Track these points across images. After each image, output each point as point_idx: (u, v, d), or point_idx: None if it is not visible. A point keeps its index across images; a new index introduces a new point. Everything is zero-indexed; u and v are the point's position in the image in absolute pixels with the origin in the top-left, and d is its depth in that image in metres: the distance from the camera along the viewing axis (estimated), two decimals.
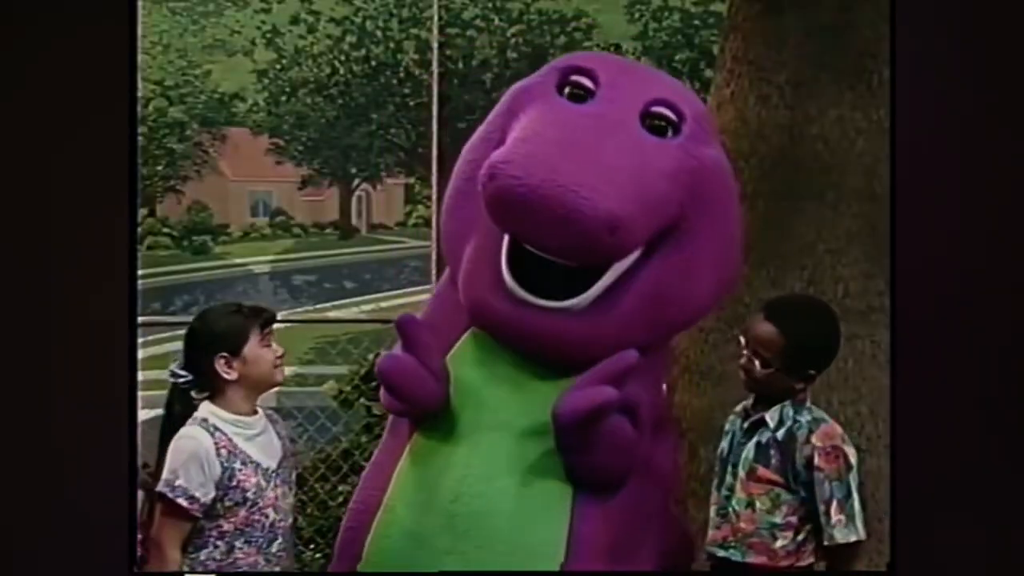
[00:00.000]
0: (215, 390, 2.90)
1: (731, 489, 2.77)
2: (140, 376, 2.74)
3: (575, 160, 2.54)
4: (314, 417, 5.25)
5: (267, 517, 2.89)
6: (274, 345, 2.95)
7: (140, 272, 3.17)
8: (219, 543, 2.84)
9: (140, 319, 3.16)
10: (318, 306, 20.49)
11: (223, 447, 2.83)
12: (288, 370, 3.08)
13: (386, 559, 2.74)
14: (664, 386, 3.17)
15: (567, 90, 2.81)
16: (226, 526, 2.84)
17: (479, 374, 2.79)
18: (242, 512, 2.84)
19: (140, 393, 2.69)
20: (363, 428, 5.16)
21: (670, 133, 2.77)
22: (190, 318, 3.06)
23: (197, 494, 2.78)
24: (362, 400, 5.21)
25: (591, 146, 2.59)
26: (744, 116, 3.89)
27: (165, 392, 3.00)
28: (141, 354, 2.78)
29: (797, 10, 3.83)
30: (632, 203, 2.54)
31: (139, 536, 2.80)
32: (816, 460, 2.67)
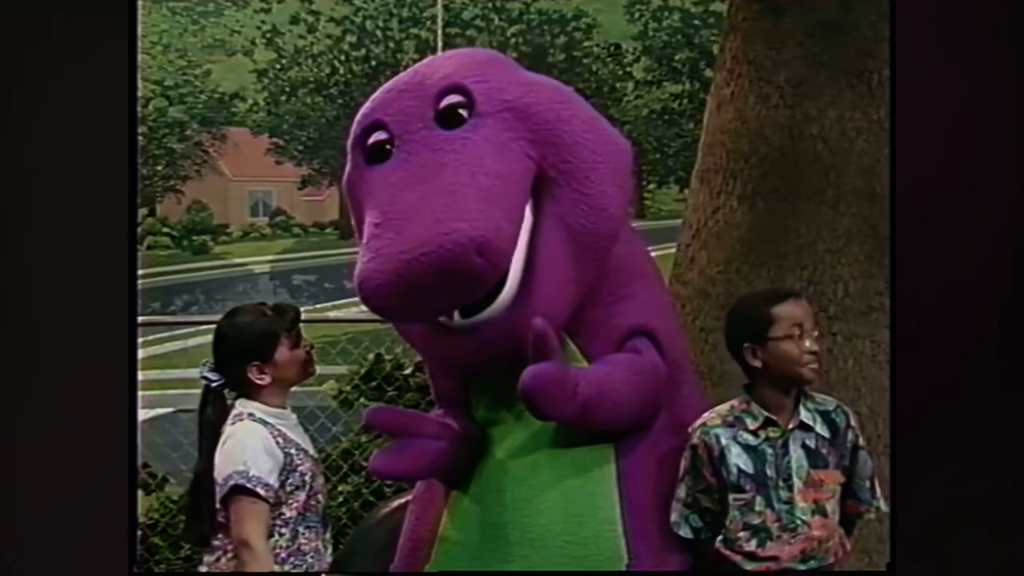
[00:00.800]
0: (250, 391, 2.96)
1: (790, 502, 2.68)
2: (140, 376, 2.75)
3: (406, 228, 2.46)
4: (314, 417, 5.25)
5: (319, 502, 2.96)
6: (304, 342, 3.00)
7: (140, 272, 3.18)
8: (284, 530, 2.88)
9: (140, 319, 3.17)
10: (318, 306, 20.48)
11: (277, 436, 2.89)
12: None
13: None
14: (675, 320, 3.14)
15: (370, 159, 2.71)
16: (288, 513, 2.88)
17: (488, 389, 2.81)
18: (302, 496, 2.89)
19: (140, 393, 2.69)
20: (363, 428, 5.16)
21: (466, 113, 2.64)
22: (190, 318, 3.09)
23: (271, 481, 2.83)
24: (362, 400, 5.22)
25: (425, 193, 2.50)
26: (744, 116, 3.89)
27: (165, 392, 3.01)
28: (141, 354, 2.79)
29: (797, 10, 3.84)
30: (476, 216, 2.44)
31: (139, 535, 2.81)
32: (860, 441, 2.75)
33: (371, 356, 5.37)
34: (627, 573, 2.67)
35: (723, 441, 2.72)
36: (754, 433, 2.71)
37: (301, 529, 2.90)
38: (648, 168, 42.53)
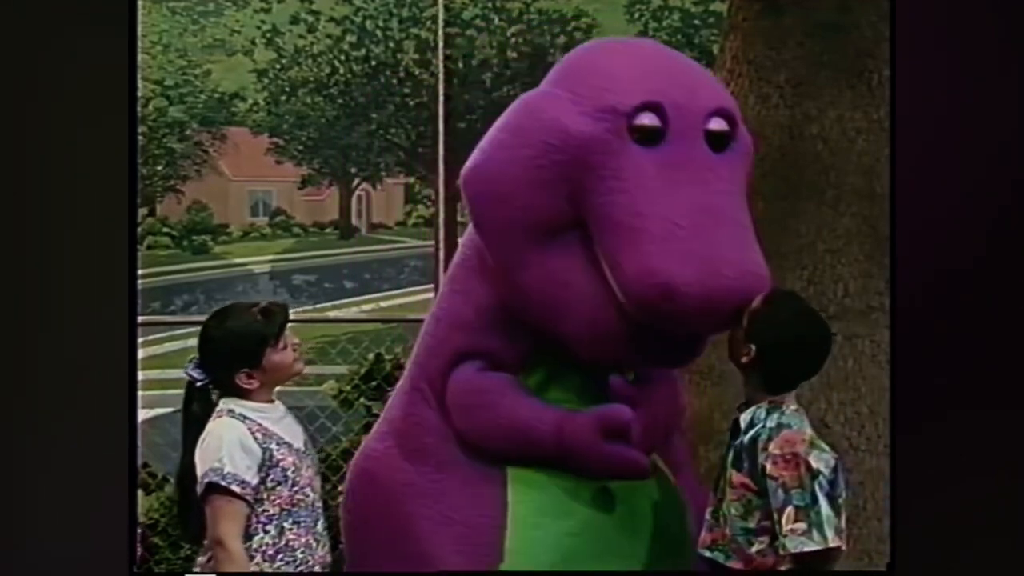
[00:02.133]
0: (236, 392, 2.93)
1: (723, 493, 2.73)
2: (140, 376, 2.75)
3: (721, 241, 2.58)
4: (314, 417, 5.24)
5: (307, 496, 2.92)
6: (290, 341, 2.97)
7: (140, 272, 3.17)
8: (269, 527, 2.85)
9: (140, 319, 3.17)
10: (318, 306, 20.49)
11: (256, 431, 2.87)
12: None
13: None
14: None
15: (636, 136, 2.66)
16: (272, 509, 2.86)
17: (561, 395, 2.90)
18: (285, 492, 2.86)
19: (140, 393, 2.69)
20: (363, 428, 5.16)
21: (730, 143, 2.77)
22: (190, 318, 3.08)
23: (247, 477, 2.80)
24: (362, 400, 5.21)
25: (718, 213, 2.62)
26: (744, 116, 3.88)
27: (165, 392, 3.01)
28: (141, 354, 2.78)
29: (797, 10, 3.83)
30: (763, 262, 2.68)
31: (139, 533, 2.81)
32: (768, 468, 2.59)
33: (371, 356, 5.36)
34: (632, 573, 2.69)
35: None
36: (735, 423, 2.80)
37: (287, 525, 2.87)
38: None
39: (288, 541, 2.86)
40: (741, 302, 2.59)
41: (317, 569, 2.92)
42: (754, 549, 2.65)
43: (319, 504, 2.99)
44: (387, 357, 5.33)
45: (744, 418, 2.71)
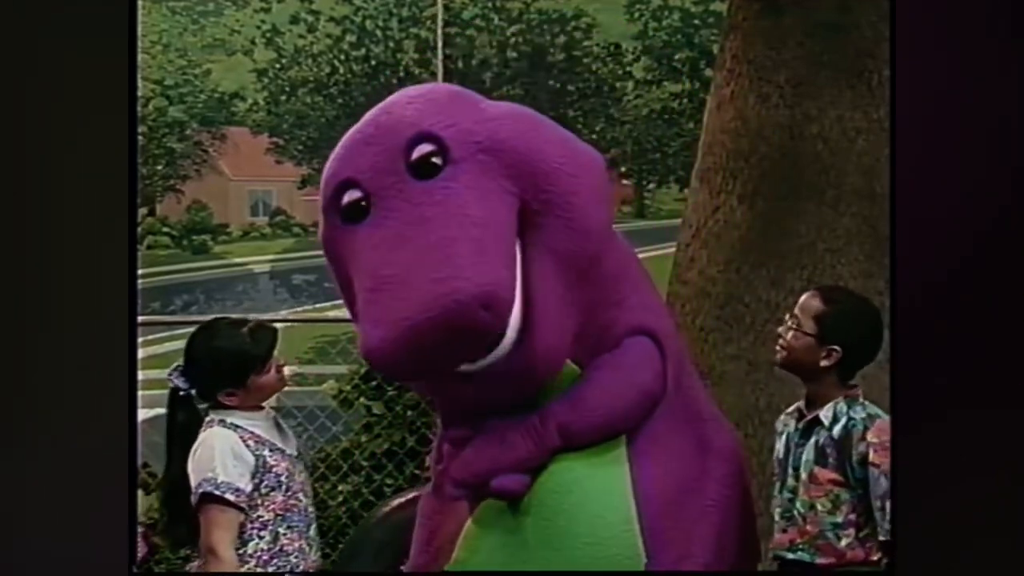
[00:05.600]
0: (219, 405, 2.96)
1: (794, 492, 2.79)
2: (140, 376, 2.75)
3: (403, 292, 2.40)
4: (314, 416, 5.25)
5: (300, 501, 2.94)
6: (275, 362, 2.97)
7: (140, 271, 3.17)
8: (263, 533, 2.87)
9: (140, 319, 3.17)
10: (318, 305, 20.48)
11: (248, 439, 2.89)
12: (287, 369, 3.10)
13: None
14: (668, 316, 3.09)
15: (344, 219, 2.61)
16: (266, 515, 2.87)
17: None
18: (279, 497, 2.88)
19: (140, 393, 2.69)
20: (363, 428, 5.16)
21: (440, 161, 2.56)
22: (190, 318, 3.09)
23: (240, 485, 2.83)
24: (362, 399, 5.21)
25: (407, 265, 2.44)
26: (744, 115, 3.90)
27: (165, 392, 3.01)
28: (141, 354, 2.78)
29: (797, 10, 3.84)
30: (474, 271, 2.38)
31: (139, 531, 2.82)
32: (871, 456, 2.69)
33: None
34: (636, 573, 2.68)
35: (780, 427, 2.92)
36: (796, 422, 2.85)
37: (282, 530, 2.89)
38: (648, 168, 42.47)
39: (282, 546, 2.89)
40: (443, 328, 2.36)
41: None
42: (843, 543, 2.72)
43: (311, 509, 3.00)
44: None
45: (824, 415, 2.76)
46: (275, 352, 2.96)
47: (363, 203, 2.57)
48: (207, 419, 2.93)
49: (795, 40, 3.82)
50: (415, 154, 2.55)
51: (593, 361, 2.71)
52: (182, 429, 2.93)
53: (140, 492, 4.78)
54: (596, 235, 2.65)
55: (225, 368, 2.92)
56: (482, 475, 2.64)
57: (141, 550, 3.56)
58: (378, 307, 2.44)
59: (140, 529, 3.45)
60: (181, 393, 2.96)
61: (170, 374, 2.97)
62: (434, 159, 2.55)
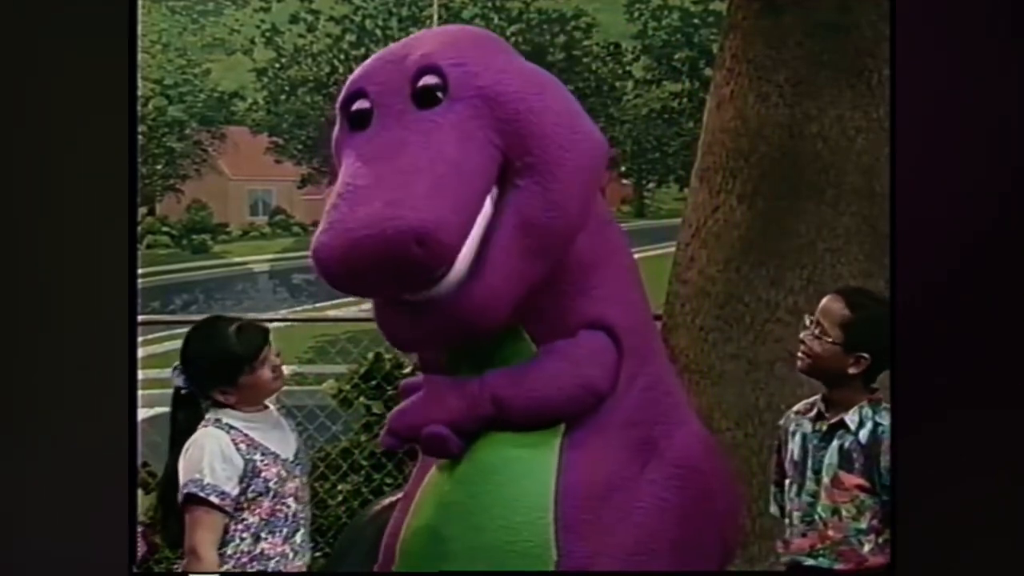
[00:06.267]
0: (218, 403, 2.95)
1: (814, 495, 2.74)
2: (140, 375, 2.75)
3: (365, 199, 2.47)
4: (313, 416, 5.25)
5: (289, 507, 2.93)
6: (270, 360, 2.96)
7: (140, 271, 3.17)
8: (245, 535, 2.87)
9: (140, 318, 3.17)
10: (317, 305, 20.47)
11: (241, 441, 2.88)
12: (287, 369, 3.10)
13: (406, 561, 2.74)
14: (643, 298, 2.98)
15: (352, 125, 2.73)
16: (251, 519, 2.87)
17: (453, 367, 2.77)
18: (266, 503, 2.88)
19: (140, 392, 2.69)
20: (362, 427, 5.16)
21: (442, 95, 2.62)
22: (190, 317, 3.09)
23: (226, 488, 2.83)
24: (361, 399, 5.22)
25: (371, 181, 2.52)
26: (744, 115, 3.89)
27: (165, 391, 3.02)
28: (141, 353, 2.78)
29: (797, 9, 3.84)
30: (423, 205, 2.41)
31: (139, 530, 2.82)
32: None
33: (371, 355, 5.36)
34: (630, 572, 2.66)
35: (791, 427, 2.85)
36: (813, 423, 2.80)
37: (264, 535, 2.89)
38: (648, 167, 42.52)
39: (263, 550, 2.89)
40: (379, 250, 2.39)
41: None
42: (866, 549, 2.69)
43: (303, 515, 2.99)
44: (387, 356, 5.33)
45: (850, 419, 2.73)
46: (264, 352, 2.94)
47: (367, 115, 2.67)
48: (205, 417, 2.93)
49: (795, 40, 3.81)
50: (420, 83, 2.63)
51: (546, 345, 2.70)
52: (183, 427, 2.93)
53: (140, 492, 4.78)
54: (568, 214, 2.63)
55: (213, 367, 2.93)
56: (413, 427, 2.66)
57: (141, 549, 3.56)
58: (335, 211, 2.50)
59: (140, 528, 3.45)
60: (182, 392, 2.97)
61: (172, 373, 2.99)
62: (437, 92, 2.62)
